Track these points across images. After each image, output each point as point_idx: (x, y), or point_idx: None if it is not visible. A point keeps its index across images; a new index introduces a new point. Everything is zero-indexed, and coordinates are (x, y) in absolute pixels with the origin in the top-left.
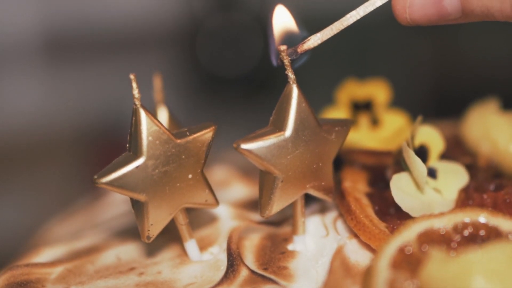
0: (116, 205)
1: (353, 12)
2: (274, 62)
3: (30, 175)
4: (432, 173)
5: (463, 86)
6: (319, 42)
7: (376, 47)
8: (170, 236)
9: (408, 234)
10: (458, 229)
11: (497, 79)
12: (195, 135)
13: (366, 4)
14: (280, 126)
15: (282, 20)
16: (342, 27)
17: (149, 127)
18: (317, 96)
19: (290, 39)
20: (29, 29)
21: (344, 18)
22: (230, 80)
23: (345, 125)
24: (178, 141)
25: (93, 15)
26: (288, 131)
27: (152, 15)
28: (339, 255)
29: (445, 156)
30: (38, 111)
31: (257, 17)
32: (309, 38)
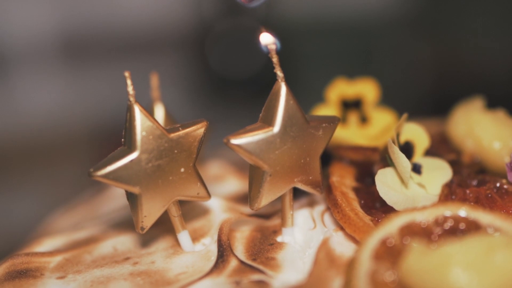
0: (116, 198)
1: None
2: None
3: (47, 169)
4: (417, 169)
5: (463, 86)
6: None
7: (376, 49)
8: (164, 227)
9: (390, 227)
10: (439, 222)
11: (496, 80)
12: (187, 131)
13: None
14: (268, 122)
15: None
16: None
17: (143, 122)
18: (318, 95)
19: None
20: (47, 32)
21: None
22: (238, 81)
23: (332, 121)
24: (171, 136)
25: (108, 19)
26: (276, 127)
27: (164, 19)
28: (324, 246)
29: (431, 152)
30: (55, 109)
31: (264, 21)
32: None
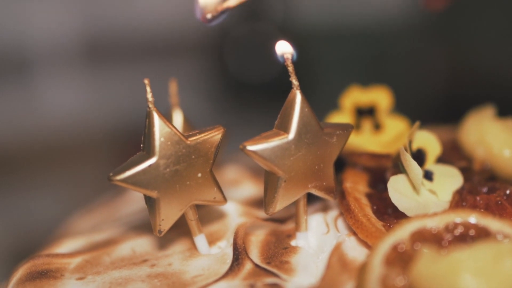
0: (135, 201)
1: None
2: (198, 15)
3: (68, 171)
4: (428, 176)
5: (477, 92)
6: (238, 2)
7: (391, 55)
8: (181, 230)
9: (401, 233)
10: (449, 228)
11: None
12: (204, 137)
13: None
14: (284, 129)
15: None
16: None
17: (162, 128)
18: (333, 101)
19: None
20: (70, 35)
21: None
22: (255, 85)
23: (346, 129)
24: (189, 142)
25: (129, 23)
26: (291, 134)
27: (184, 23)
28: (337, 251)
29: (442, 159)
30: (77, 111)
31: (281, 26)
32: None
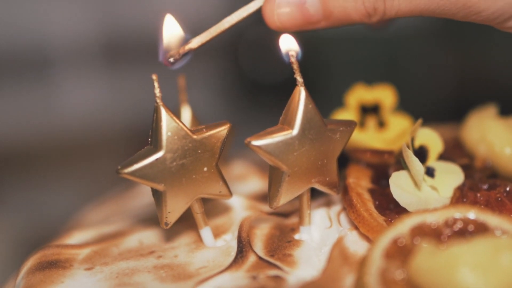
0: (144, 195)
1: (229, 18)
2: (160, 58)
3: (85, 166)
4: (430, 172)
5: (484, 94)
6: (200, 44)
7: (399, 57)
8: (188, 223)
9: (402, 227)
10: (448, 223)
11: None
12: (211, 132)
13: (240, 10)
14: (288, 125)
15: (170, 26)
16: (219, 30)
17: (169, 123)
18: (341, 100)
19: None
20: (89, 34)
21: (220, 23)
22: (269, 85)
23: (349, 125)
24: (195, 136)
25: (147, 25)
26: (295, 129)
27: (200, 25)
28: (339, 245)
29: (445, 157)
30: (96, 108)
31: None
32: (191, 40)
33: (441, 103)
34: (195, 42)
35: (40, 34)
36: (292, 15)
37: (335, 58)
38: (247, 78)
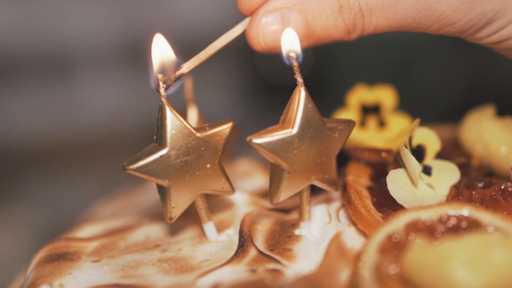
0: (151, 191)
1: (217, 42)
2: (152, 85)
3: (102, 164)
4: (427, 170)
5: (495, 97)
6: (190, 69)
7: (409, 60)
8: (192, 218)
9: (397, 223)
10: (442, 220)
11: None
12: (214, 130)
13: (227, 34)
14: (288, 124)
15: (160, 49)
16: (207, 55)
17: (173, 121)
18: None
19: (166, 67)
20: (112, 38)
21: (208, 47)
22: (284, 87)
23: (348, 124)
24: (198, 134)
25: (167, 27)
26: (295, 128)
27: (219, 27)
28: (336, 240)
29: (442, 155)
30: (117, 110)
31: None
32: (181, 65)
33: (451, 106)
34: (186, 67)
35: (64, 37)
36: (276, 36)
37: (348, 63)
38: (262, 78)
